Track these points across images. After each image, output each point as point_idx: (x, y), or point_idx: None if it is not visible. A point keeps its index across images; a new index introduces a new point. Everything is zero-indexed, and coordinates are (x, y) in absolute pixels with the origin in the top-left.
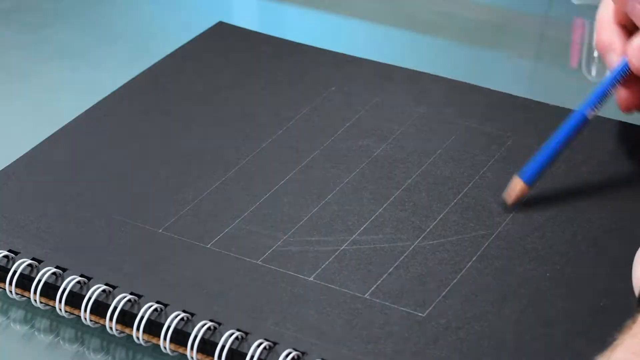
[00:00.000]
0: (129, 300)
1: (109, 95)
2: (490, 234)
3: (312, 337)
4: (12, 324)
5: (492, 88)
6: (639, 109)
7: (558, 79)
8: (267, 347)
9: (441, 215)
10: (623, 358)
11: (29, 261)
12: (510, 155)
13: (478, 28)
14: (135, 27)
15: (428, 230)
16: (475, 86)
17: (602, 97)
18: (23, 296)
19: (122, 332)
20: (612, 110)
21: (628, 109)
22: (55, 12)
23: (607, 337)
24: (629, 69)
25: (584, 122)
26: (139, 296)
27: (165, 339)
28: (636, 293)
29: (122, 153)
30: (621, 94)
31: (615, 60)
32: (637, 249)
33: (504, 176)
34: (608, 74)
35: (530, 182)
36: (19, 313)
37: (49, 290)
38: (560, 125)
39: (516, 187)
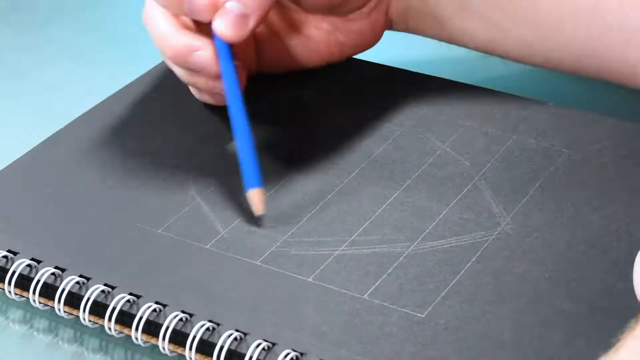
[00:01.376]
0: (128, 301)
1: (109, 96)
2: (490, 234)
3: (311, 337)
4: (11, 324)
5: (492, 88)
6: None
7: (558, 79)
8: (266, 347)
9: (440, 216)
10: None
11: (28, 261)
12: (510, 155)
13: None
14: (135, 27)
15: (427, 230)
16: (475, 86)
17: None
18: (22, 296)
19: (121, 332)
20: (613, 110)
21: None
22: (55, 12)
23: (606, 337)
24: None
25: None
26: (138, 296)
27: (164, 339)
28: (637, 292)
29: (122, 153)
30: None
31: (207, 55)
32: (636, 250)
33: (504, 176)
34: None
35: (260, 184)
36: (17, 313)
37: (48, 291)
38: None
39: (255, 197)
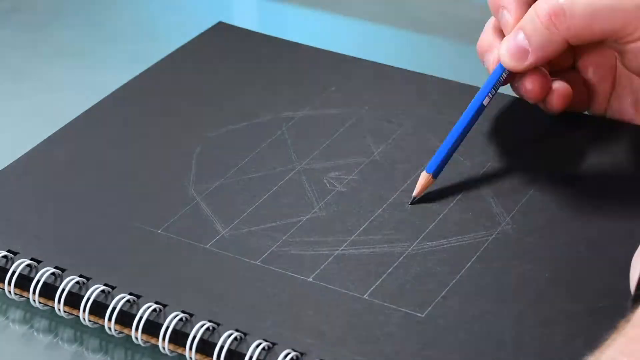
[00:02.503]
0: (128, 301)
1: (108, 95)
2: (490, 234)
3: (311, 337)
4: (11, 324)
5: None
6: (546, 104)
7: None
8: (266, 347)
9: (440, 216)
10: (612, 358)
11: (28, 261)
12: (509, 155)
13: (478, 28)
14: (135, 27)
15: (427, 230)
16: (475, 87)
17: (494, 87)
18: (22, 296)
19: (121, 332)
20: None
21: (533, 95)
22: (55, 12)
23: (606, 337)
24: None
25: (481, 109)
26: (138, 296)
27: (164, 339)
28: (632, 288)
29: (122, 153)
30: (525, 85)
31: (491, 61)
32: (635, 251)
33: (504, 176)
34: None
35: (435, 174)
36: (17, 313)
37: (48, 291)
38: (460, 117)
39: (422, 180)
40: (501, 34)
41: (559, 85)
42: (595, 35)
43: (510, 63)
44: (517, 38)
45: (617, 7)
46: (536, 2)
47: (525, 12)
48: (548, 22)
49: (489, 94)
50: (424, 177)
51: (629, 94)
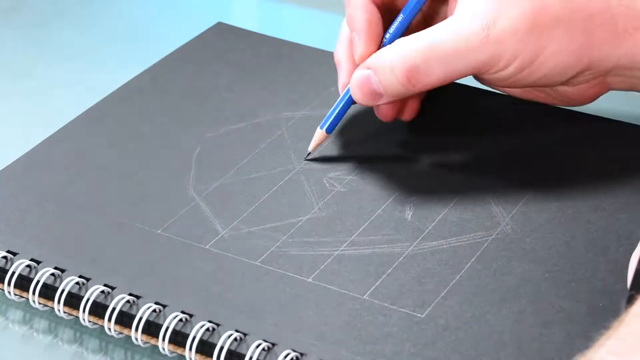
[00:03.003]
0: (128, 301)
1: (108, 95)
2: (489, 234)
3: (310, 338)
4: (10, 325)
5: (490, 88)
6: (398, 117)
7: None
8: (266, 348)
9: (440, 216)
10: (602, 358)
11: (28, 262)
12: (509, 155)
13: None
14: (135, 27)
15: (427, 231)
16: (475, 87)
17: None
18: (22, 297)
19: (120, 333)
20: (613, 111)
21: (386, 120)
22: (56, 11)
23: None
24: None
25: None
26: (138, 297)
27: (163, 339)
28: (629, 282)
29: (122, 153)
30: (377, 108)
31: (341, 82)
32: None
33: (503, 177)
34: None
35: (328, 130)
36: (17, 314)
37: (48, 291)
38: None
39: (316, 136)
40: (352, 50)
41: (410, 100)
42: (453, 80)
43: (362, 101)
44: (370, 81)
45: (470, 54)
46: (388, 49)
47: (375, 45)
48: (405, 80)
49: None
50: (318, 133)
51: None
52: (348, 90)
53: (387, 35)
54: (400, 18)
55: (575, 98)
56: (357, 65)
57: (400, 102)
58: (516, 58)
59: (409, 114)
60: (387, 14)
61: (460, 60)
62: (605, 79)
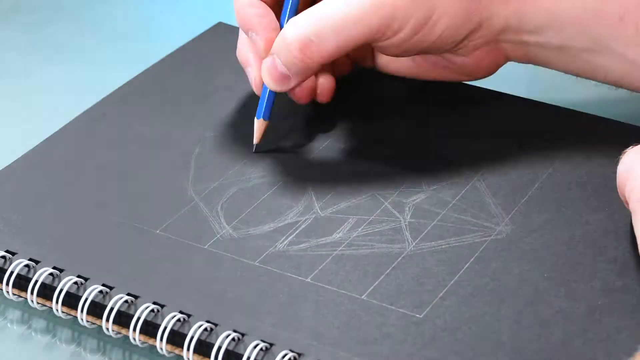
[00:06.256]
0: (126, 301)
1: (108, 95)
2: (488, 235)
3: (308, 338)
4: (9, 325)
5: (490, 88)
6: (315, 98)
7: (557, 78)
8: (264, 348)
9: (439, 217)
10: None
11: (26, 262)
12: (508, 155)
13: None
14: (135, 27)
15: (426, 231)
16: (474, 86)
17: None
18: (20, 297)
19: (118, 332)
20: (613, 111)
21: (303, 102)
22: (55, 12)
23: (605, 337)
24: None
25: None
26: (136, 297)
27: (161, 339)
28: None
29: (121, 153)
30: (291, 92)
31: (253, 78)
32: (634, 250)
33: (503, 177)
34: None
35: (265, 117)
36: (16, 314)
37: (46, 291)
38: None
39: (257, 126)
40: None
41: (324, 81)
42: (350, 50)
43: (276, 88)
44: (276, 65)
45: (361, 20)
46: (283, 30)
47: (275, 34)
48: (300, 55)
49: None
50: (258, 123)
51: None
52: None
53: (284, 22)
54: (289, 1)
55: (474, 69)
56: (263, 59)
57: (312, 83)
58: (408, 21)
59: (323, 95)
60: (276, 7)
61: (352, 27)
62: (497, 45)
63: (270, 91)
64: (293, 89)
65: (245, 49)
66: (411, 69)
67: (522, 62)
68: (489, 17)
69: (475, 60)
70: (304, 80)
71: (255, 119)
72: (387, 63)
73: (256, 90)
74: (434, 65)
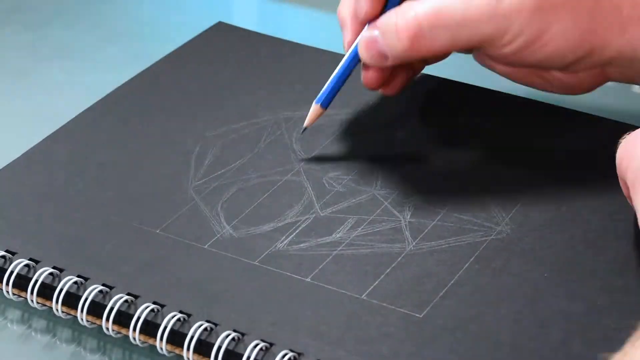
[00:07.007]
0: (126, 301)
1: (108, 95)
2: (488, 235)
3: (308, 338)
4: (9, 324)
5: (490, 88)
6: (380, 88)
7: None
8: (264, 348)
9: (439, 216)
10: None
11: (26, 261)
12: (508, 155)
13: None
14: (135, 27)
15: (426, 231)
16: (474, 86)
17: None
18: (20, 296)
19: (118, 332)
20: (612, 111)
21: (371, 88)
22: (55, 12)
23: (604, 337)
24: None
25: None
26: (136, 297)
27: (161, 339)
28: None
29: (121, 153)
30: (365, 73)
31: (347, 40)
32: (635, 250)
33: (502, 177)
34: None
35: (324, 104)
36: (15, 313)
37: (46, 291)
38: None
39: (312, 111)
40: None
41: (398, 73)
42: (455, 50)
43: (370, 61)
44: (377, 41)
45: (478, 25)
46: (397, 15)
47: (380, 3)
48: (408, 44)
49: None
50: (314, 109)
51: None
52: (346, 60)
53: None
54: None
55: (572, 86)
56: (362, 23)
57: (390, 73)
58: (521, 34)
59: (393, 87)
60: None
61: (467, 29)
62: (604, 69)
63: (337, 80)
64: (371, 71)
65: (346, 7)
66: (506, 69)
67: (623, 82)
68: (602, 46)
69: (577, 80)
70: (397, 65)
71: (314, 103)
72: (485, 58)
73: (345, 49)
74: (531, 72)
